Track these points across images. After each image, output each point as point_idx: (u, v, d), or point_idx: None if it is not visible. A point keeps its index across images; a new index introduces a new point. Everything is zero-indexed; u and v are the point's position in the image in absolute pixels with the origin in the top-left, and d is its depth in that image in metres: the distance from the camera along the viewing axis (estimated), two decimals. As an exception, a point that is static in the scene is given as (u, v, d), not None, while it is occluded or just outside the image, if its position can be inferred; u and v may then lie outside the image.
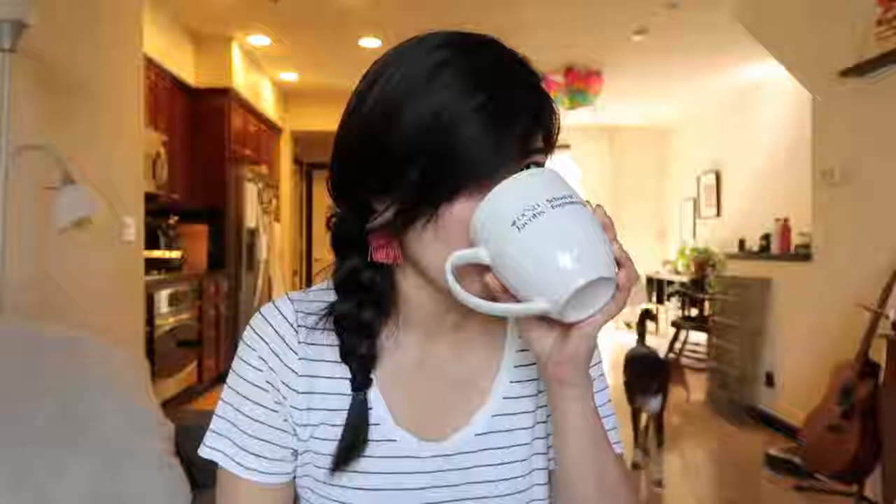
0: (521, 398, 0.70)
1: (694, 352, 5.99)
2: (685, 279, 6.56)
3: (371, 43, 5.24)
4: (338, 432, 0.63)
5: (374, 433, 0.64)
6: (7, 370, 1.31)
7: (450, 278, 0.54)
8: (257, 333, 0.65)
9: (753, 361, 4.21)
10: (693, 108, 7.09)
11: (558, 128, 0.61)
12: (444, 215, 0.55)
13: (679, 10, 4.34)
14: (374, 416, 0.64)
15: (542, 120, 0.58)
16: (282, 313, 0.66)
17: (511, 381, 0.70)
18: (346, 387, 0.64)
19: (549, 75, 5.64)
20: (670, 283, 6.98)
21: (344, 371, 0.64)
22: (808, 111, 3.69)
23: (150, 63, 4.18)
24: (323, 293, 0.67)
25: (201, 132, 5.13)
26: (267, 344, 0.65)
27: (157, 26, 4.40)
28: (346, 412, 0.64)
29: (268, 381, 0.64)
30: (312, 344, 0.65)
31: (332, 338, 0.65)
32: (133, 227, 3.07)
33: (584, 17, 4.54)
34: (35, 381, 1.32)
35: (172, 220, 4.73)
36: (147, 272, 3.57)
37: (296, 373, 0.64)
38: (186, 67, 5.07)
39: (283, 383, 0.64)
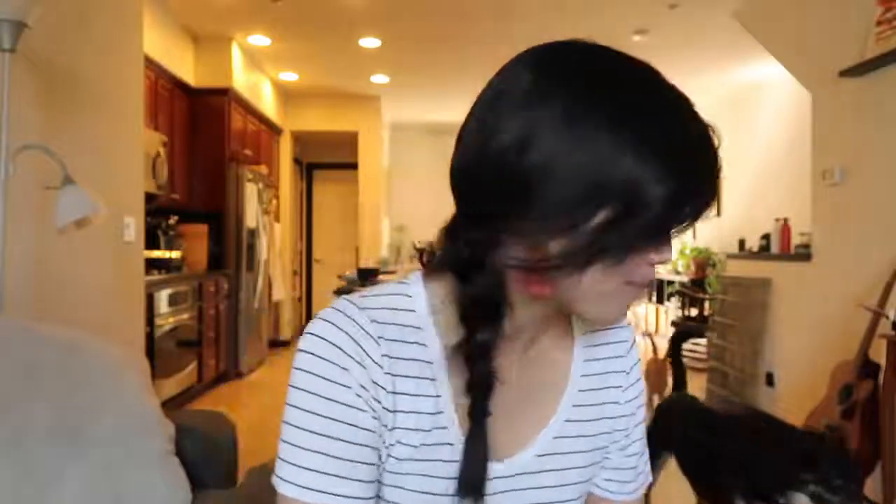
0: (582, 422, 0.70)
1: (693, 352, 5.99)
2: (685, 279, 6.56)
3: (371, 43, 5.24)
4: (411, 452, 0.61)
5: (442, 452, 0.61)
6: (7, 370, 1.31)
7: None
8: (335, 345, 0.59)
9: (753, 361, 4.21)
10: (693, 107, 7.08)
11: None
12: (620, 268, 0.56)
13: (679, 10, 4.34)
14: (450, 435, 0.61)
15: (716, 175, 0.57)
16: (357, 322, 0.60)
17: (573, 405, 0.70)
18: (424, 405, 0.61)
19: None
20: (670, 283, 6.97)
21: (426, 388, 0.61)
22: (808, 111, 3.69)
23: (150, 63, 4.18)
24: (393, 299, 0.63)
25: (201, 132, 5.13)
26: (350, 357, 0.59)
27: (157, 26, 4.40)
28: (421, 432, 0.61)
29: (358, 395, 0.58)
30: (395, 357, 0.60)
31: (414, 350, 0.61)
32: (133, 227, 3.07)
33: (584, 17, 4.54)
34: (35, 381, 1.32)
35: (172, 220, 4.73)
36: (147, 272, 3.57)
37: (384, 389, 0.60)
38: (186, 67, 5.07)
39: (375, 400, 0.59)
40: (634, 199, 0.52)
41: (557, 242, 0.55)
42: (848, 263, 3.26)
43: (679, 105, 0.55)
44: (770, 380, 4.12)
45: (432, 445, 0.61)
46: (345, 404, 0.58)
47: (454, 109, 7.45)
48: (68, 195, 1.96)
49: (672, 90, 0.56)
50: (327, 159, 8.27)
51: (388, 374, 0.60)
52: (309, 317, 8.25)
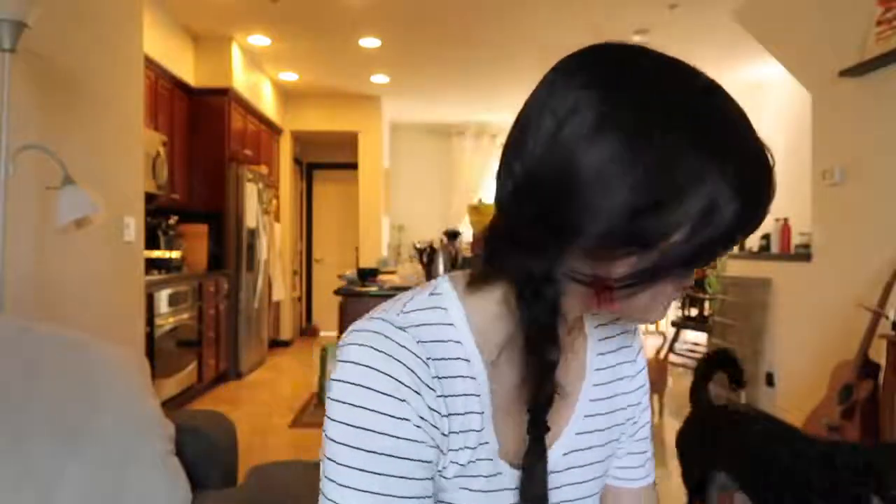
0: (597, 416, 0.71)
1: (694, 352, 5.99)
2: (685, 279, 6.55)
3: (371, 43, 5.24)
4: (458, 470, 0.59)
5: (485, 468, 0.60)
6: (7, 370, 1.31)
7: None
8: (388, 374, 0.55)
9: (753, 361, 4.21)
10: (693, 108, 7.08)
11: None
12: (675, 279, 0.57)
13: (679, 10, 4.34)
14: (487, 450, 0.60)
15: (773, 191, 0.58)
16: (405, 346, 0.56)
17: (590, 400, 0.70)
18: (472, 422, 0.59)
19: (549, 75, 5.65)
20: (670, 283, 6.96)
21: (472, 405, 0.59)
22: (808, 111, 3.69)
23: (150, 63, 4.18)
24: (430, 314, 0.60)
25: (201, 132, 5.13)
26: (407, 386, 0.55)
27: (157, 26, 4.40)
28: (468, 450, 0.59)
29: (418, 427, 0.55)
30: (444, 377, 0.57)
31: (459, 367, 0.59)
32: (133, 227, 3.07)
33: (585, 17, 4.54)
34: (35, 380, 1.32)
35: (172, 220, 4.73)
36: (147, 272, 3.57)
37: (439, 413, 0.57)
38: (186, 67, 5.07)
39: (434, 427, 0.56)
40: (710, 220, 0.52)
41: (628, 261, 0.54)
42: (848, 263, 3.26)
43: (746, 124, 0.56)
44: (770, 380, 4.12)
45: (476, 462, 0.60)
46: (407, 439, 0.55)
47: (454, 109, 7.46)
48: (68, 195, 1.96)
49: (737, 106, 0.57)
50: (327, 159, 8.27)
51: (441, 396, 0.57)
52: (309, 317, 8.25)
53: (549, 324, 0.57)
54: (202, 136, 5.13)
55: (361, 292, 3.08)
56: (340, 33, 5.05)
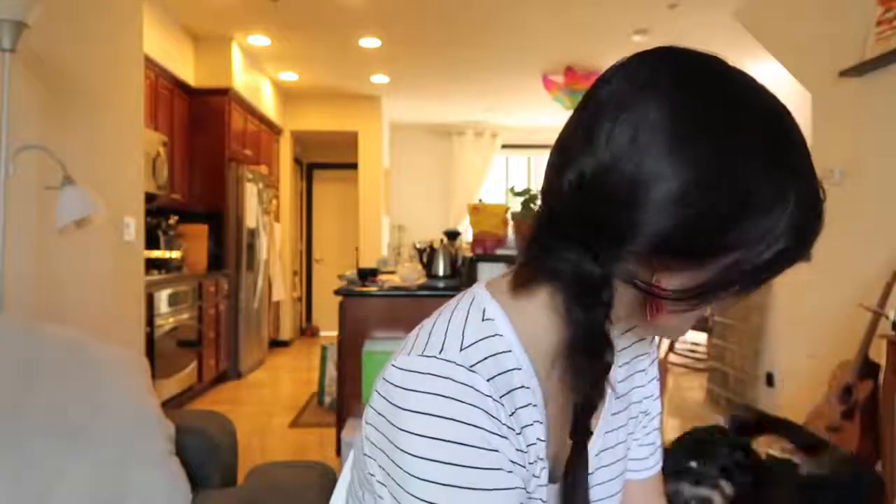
0: (619, 413, 0.71)
1: (694, 352, 5.99)
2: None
3: (371, 43, 5.24)
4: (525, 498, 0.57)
5: (541, 492, 0.59)
6: (7, 370, 1.31)
7: None
8: (473, 425, 0.52)
9: (753, 361, 4.21)
10: (693, 108, 7.08)
11: None
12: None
13: (679, 10, 4.34)
14: (544, 474, 0.59)
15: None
16: (477, 389, 0.53)
17: (612, 414, 0.70)
18: (541, 451, 0.59)
19: (550, 75, 5.65)
20: (670, 283, 6.96)
21: (540, 433, 0.58)
22: (808, 111, 3.69)
23: (150, 63, 4.18)
24: (488, 344, 0.57)
25: (201, 132, 5.13)
26: (494, 433, 0.53)
27: (157, 26, 4.40)
28: (535, 478, 0.58)
29: (510, 472, 0.53)
30: (514, 411, 0.56)
31: (523, 396, 0.57)
32: (133, 227, 3.07)
33: (585, 17, 4.54)
34: (35, 380, 1.32)
35: (172, 220, 4.73)
36: (147, 272, 3.57)
37: (521, 450, 0.56)
38: (186, 67, 5.07)
39: (521, 466, 0.55)
40: (765, 248, 0.53)
41: (683, 274, 0.54)
42: (848, 263, 3.26)
43: (808, 152, 0.57)
44: (770, 380, 4.11)
45: (537, 489, 0.59)
46: (503, 489, 0.52)
47: (454, 109, 7.46)
48: (68, 195, 1.96)
49: (801, 132, 0.58)
50: (327, 159, 8.27)
51: (519, 433, 0.56)
52: (309, 317, 8.25)
53: (603, 326, 0.55)
54: (202, 136, 5.13)
55: (361, 292, 3.08)
56: (340, 33, 5.05)
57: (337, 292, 3.08)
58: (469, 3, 4.35)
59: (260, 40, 5.29)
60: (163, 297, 3.94)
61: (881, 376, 2.68)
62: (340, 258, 8.00)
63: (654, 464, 0.79)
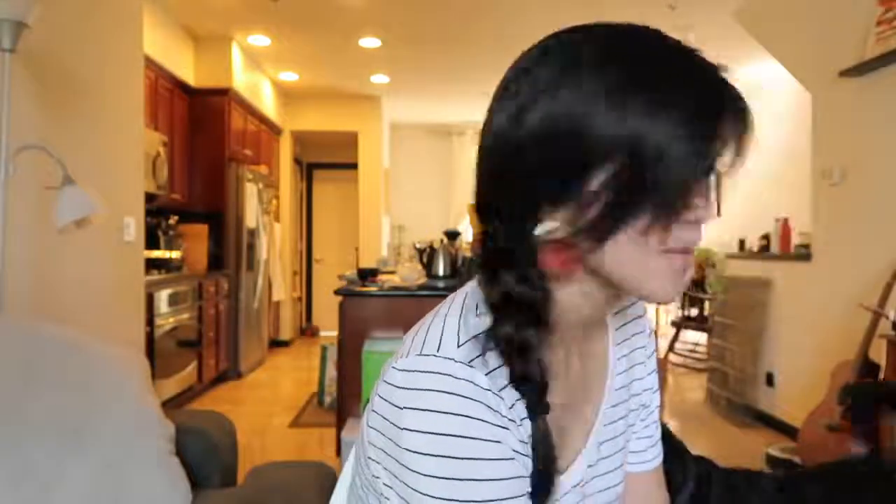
0: (618, 405, 0.71)
1: (694, 352, 5.99)
2: (685, 279, 6.55)
3: (371, 43, 5.24)
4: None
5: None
6: (7, 370, 1.31)
7: None
8: (470, 417, 0.53)
9: (753, 361, 4.21)
10: (693, 108, 7.09)
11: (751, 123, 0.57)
12: (653, 235, 0.53)
13: (679, 10, 4.34)
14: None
15: (745, 122, 0.54)
16: (475, 383, 0.54)
17: (611, 406, 0.70)
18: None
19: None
20: (670, 283, 6.96)
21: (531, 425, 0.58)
22: (808, 111, 3.69)
23: (150, 63, 4.18)
24: (483, 339, 0.57)
25: (201, 132, 5.13)
26: (492, 424, 0.53)
27: (157, 26, 4.40)
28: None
29: (512, 459, 0.54)
30: (515, 403, 0.57)
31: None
32: (133, 227, 3.07)
33: (584, 17, 4.53)
34: (35, 381, 1.32)
35: (172, 220, 4.73)
36: (147, 272, 3.57)
37: (525, 441, 0.56)
38: (186, 67, 5.07)
39: (525, 455, 0.56)
40: (638, 152, 0.51)
41: (575, 213, 0.53)
42: (848, 263, 3.26)
43: (682, 51, 0.55)
44: (770, 380, 4.12)
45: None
46: (513, 477, 0.53)
47: (454, 109, 7.46)
48: (68, 195, 1.96)
49: (676, 42, 0.57)
50: (327, 159, 8.27)
51: (519, 425, 0.56)
52: (309, 317, 8.25)
53: (509, 297, 0.56)
54: (202, 136, 5.13)
55: (361, 292, 3.08)
56: (340, 33, 5.04)
57: (337, 292, 3.08)
58: (469, 4, 4.35)
59: (260, 40, 5.29)
60: (163, 297, 3.94)
61: (881, 376, 2.68)
62: (340, 258, 8.00)
63: (653, 457, 0.79)
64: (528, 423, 0.57)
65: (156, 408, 1.43)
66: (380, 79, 6.33)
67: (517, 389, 0.56)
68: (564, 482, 0.63)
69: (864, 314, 2.82)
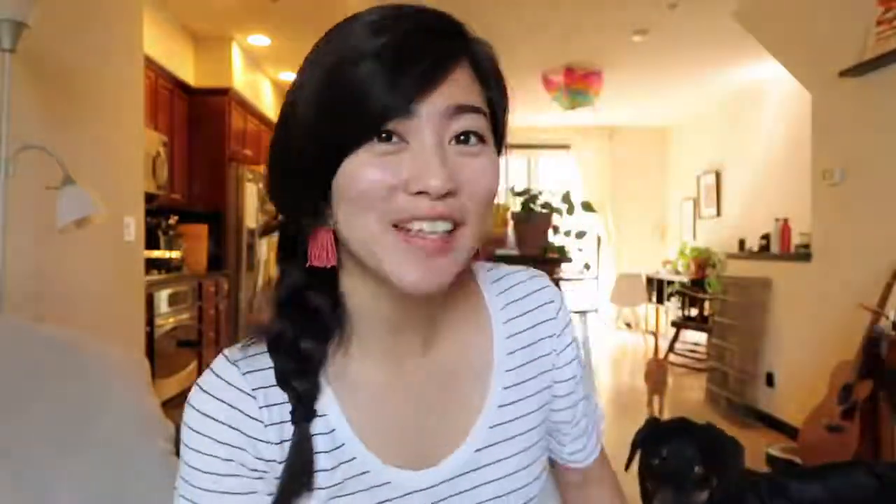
0: (518, 402, 0.66)
1: (694, 352, 5.99)
2: (685, 279, 6.56)
3: (371, 43, 5.24)
4: (330, 492, 0.58)
5: (363, 482, 0.59)
6: (7, 370, 1.31)
7: None
8: (209, 416, 0.56)
9: (753, 361, 4.21)
10: (693, 108, 7.09)
11: (494, 71, 0.58)
12: (350, 174, 0.52)
13: (679, 10, 4.34)
14: (359, 463, 0.59)
15: (444, 62, 0.52)
16: (228, 381, 0.57)
17: (504, 388, 0.66)
18: (323, 444, 0.58)
19: (549, 75, 5.65)
20: (670, 283, 6.98)
21: (320, 426, 0.58)
22: (808, 111, 3.69)
23: (150, 63, 4.18)
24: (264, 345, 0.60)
25: (201, 132, 5.13)
26: (224, 424, 0.56)
27: (157, 26, 4.40)
28: (325, 472, 0.57)
29: (242, 464, 0.56)
30: (275, 404, 0.57)
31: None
32: (133, 227, 3.07)
33: (585, 17, 4.54)
34: (34, 381, 1.32)
35: (172, 220, 4.73)
36: (147, 272, 3.57)
37: (270, 443, 0.57)
38: (186, 67, 5.07)
39: (261, 459, 0.57)
40: (298, 101, 0.55)
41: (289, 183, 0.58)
42: (848, 263, 3.26)
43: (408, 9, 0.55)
44: (770, 380, 4.12)
45: (349, 480, 0.59)
46: (224, 475, 0.57)
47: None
48: (68, 195, 1.96)
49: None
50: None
51: (271, 425, 0.57)
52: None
53: (293, 296, 0.60)
54: (202, 136, 5.13)
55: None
56: (340, 33, 5.04)
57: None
58: (468, 3, 4.35)
59: (260, 40, 5.29)
60: (163, 297, 3.94)
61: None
62: (340, 258, 7.99)
63: (591, 451, 0.76)
64: (288, 426, 0.57)
65: (156, 408, 1.43)
66: (380, 79, 6.32)
67: (280, 387, 0.57)
68: (410, 480, 0.61)
69: (864, 314, 2.82)
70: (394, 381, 0.62)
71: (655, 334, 4.86)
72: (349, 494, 0.58)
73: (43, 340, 1.40)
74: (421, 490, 0.60)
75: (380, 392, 0.61)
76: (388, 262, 0.53)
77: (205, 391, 0.57)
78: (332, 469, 0.58)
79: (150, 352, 3.67)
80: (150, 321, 3.69)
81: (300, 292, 0.60)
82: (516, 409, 0.66)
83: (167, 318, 4.00)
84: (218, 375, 0.58)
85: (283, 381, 0.57)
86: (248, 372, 0.58)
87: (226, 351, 0.60)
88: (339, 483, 0.58)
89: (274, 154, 0.58)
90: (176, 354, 4.12)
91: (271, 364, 0.58)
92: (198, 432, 0.56)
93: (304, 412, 0.57)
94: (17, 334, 1.38)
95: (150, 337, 3.68)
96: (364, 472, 0.59)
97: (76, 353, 1.41)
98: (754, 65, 5.35)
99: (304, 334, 0.58)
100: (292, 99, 0.56)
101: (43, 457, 1.25)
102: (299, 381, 0.57)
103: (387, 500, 0.59)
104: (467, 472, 0.63)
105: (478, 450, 0.63)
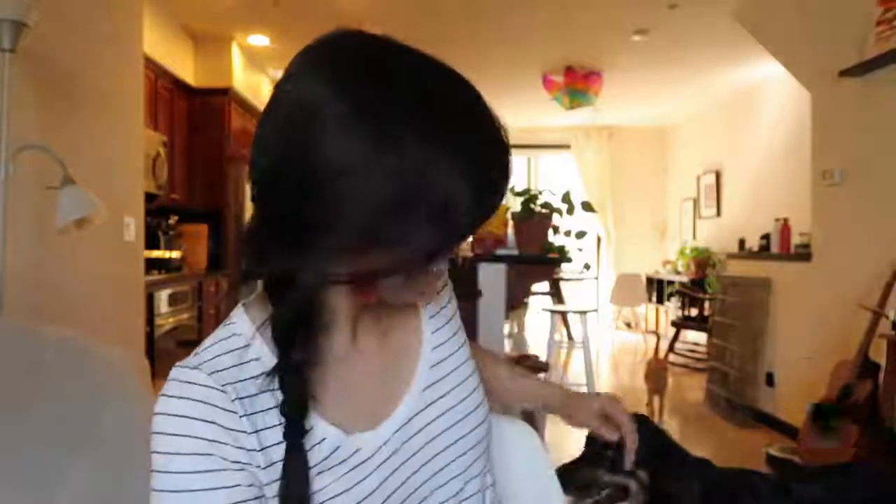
0: (447, 342, 0.77)
1: (694, 352, 5.99)
2: (685, 279, 6.56)
3: (371, 43, 5.24)
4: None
5: (336, 457, 0.63)
6: (7, 370, 1.31)
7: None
8: (184, 416, 0.58)
9: (753, 361, 4.21)
10: (693, 108, 7.09)
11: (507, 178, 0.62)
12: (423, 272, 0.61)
13: (679, 10, 4.34)
14: (328, 444, 0.63)
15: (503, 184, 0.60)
16: (194, 382, 0.60)
17: (433, 332, 0.76)
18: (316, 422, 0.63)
19: (549, 75, 5.65)
20: (670, 283, 6.98)
21: (280, 418, 0.61)
22: (808, 111, 3.70)
23: (150, 63, 4.18)
24: (224, 344, 0.64)
25: (201, 132, 5.13)
26: (200, 420, 0.58)
27: (157, 26, 4.40)
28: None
29: (223, 458, 0.58)
30: (246, 397, 0.60)
31: (262, 383, 0.61)
32: (133, 227, 3.07)
33: (585, 17, 4.54)
34: (35, 381, 1.32)
35: (172, 220, 4.73)
36: (147, 272, 3.57)
37: (245, 432, 0.59)
38: (186, 67, 5.07)
39: (241, 449, 0.59)
40: (448, 214, 0.54)
41: (380, 257, 0.56)
42: (848, 263, 3.26)
43: (482, 109, 0.59)
44: (770, 380, 4.12)
45: (329, 457, 0.63)
46: (205, 471, 0.58)
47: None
48: (68, 195, 1.96)
49: (469, 93, 0.60)
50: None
51: (245, 415, 0.60)
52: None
53: (295, 322, 0.60)
54: (202, 136, 5.13)
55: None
56: (340, 33, 5.04)
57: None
58: (469, 3, 4.35)
59: (260, 40, 5.28)
60: (163, 297, 3.94)
61: (881, 376, 2.69)
62: (340, 258, 7.99)
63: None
64: (261, 417, 0.60)
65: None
66: (380, 79, 6.32)
67: (282, 414, 0.60)
68: (373, 439, 0.66)
69: (864, 314, 2.83)
70: (348, 354, 0.68)
71: (657, 334, 4.86)
72: (329, 469, 0.62)
73: (43, 341, 1.39)
74: (385, 443, 0.66)
75: (335, 366, 0.66)
76: (409, 296, 0.66)
77: (172, 396, 0.59)
78: (308, 449, 0.61)
79: (150, 352, 3.67)
80: (150, 321, 3.69)
81: (301, 318, 0.63)
82: (446, 348, 0.76)
83: (167, 318, 4.00)
84: (182, 381, 0.60)
85: (287, 329, 0.61)
86: (214, 372, 0.60)
87: (178, 364, 0.62)
88: (317, 464, 0.62)
89: (279, 210, 0.59)
90: (176, 354, 4.11)
91: (233, 363, 0.61)
92: (173, 434, 0.58)
93: (299, 428, 0.60)
94: (17, 334, 1.38)
95: (150, 337, 3.68)
96: (336, 449, 0.63)
97: (76, 353, 1.41)
98: (754, 65, 5.35)
99: (300, 350, 0.62)
100: (339, 166, 0.53)
101: (43, 457, 1.25)
102: (293, 377, 0.61)
103: (360, 463, 0.64)
104: (419, 413, 0.70)
105: (423, 389, 0.71)
